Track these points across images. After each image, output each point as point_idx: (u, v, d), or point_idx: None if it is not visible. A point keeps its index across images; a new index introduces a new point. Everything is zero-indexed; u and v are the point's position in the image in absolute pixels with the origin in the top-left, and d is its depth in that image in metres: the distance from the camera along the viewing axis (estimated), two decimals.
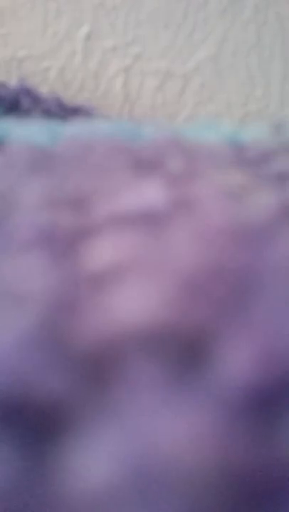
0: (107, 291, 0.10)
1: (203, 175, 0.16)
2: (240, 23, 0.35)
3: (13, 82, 0.34)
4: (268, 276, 0.11)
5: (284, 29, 0.35)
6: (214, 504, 0.07)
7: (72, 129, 0.21)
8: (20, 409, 0.08)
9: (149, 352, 0.09)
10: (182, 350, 0.09)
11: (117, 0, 0.35)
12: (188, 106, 0.36)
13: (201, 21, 0.35)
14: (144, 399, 0.08)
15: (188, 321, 0.10)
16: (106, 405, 0.08)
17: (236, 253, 0.12)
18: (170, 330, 0.09)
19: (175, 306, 0.10)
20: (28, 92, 0.33)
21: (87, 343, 0.09)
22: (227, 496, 0.07)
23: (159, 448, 0.08)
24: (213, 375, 0.09)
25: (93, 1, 0.36)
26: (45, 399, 0.08)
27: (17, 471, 0.08)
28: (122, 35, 0.36)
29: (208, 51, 0.35)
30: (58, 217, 0.13)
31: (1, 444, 0.08)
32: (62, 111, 0.32)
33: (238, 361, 0.09)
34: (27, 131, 0.21)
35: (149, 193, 0.15)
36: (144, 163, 0.18)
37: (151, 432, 0.08)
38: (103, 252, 0.12)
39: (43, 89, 0.35)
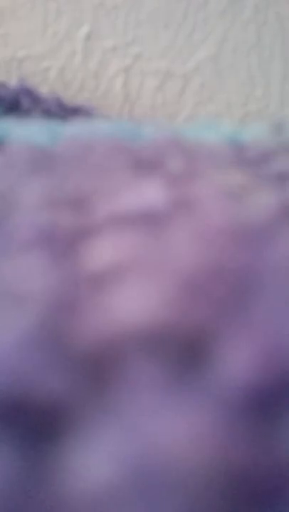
0: (107, 291, 0.10)
1: (203, 175, 0.16)
2: (240, 23, 0.35)
3: (13, 82, 0.34)
4: (268, 276, 0.11)
5: (284, 29, 0.35)
6: (214, 504, 0.07)
7: (72, 129, 0.21)
8: (20, 409, 0.08)
9: (149, 352, 0.09)
10: (182, 350, 0.09)
11: (117, 0, 0.35)
12: (188, 106, 0.36)
13: (201, 21, 0.35)
14: (144, 399, 0.08)
15: (188, 321, 0.10)
16: (106, 405, 0.08)
17: (236, 253, 0.12)
18: (170, 330, 0.09)
19: (175, 306, 0.10)
20: (28, 92, 0.33)
21: (87, 343, 0.09)
22: (227, 495, 0.07)
23: (159, 448, 0.08)
24: (213, 375, 0.09)
25: (93, 1, 0.36)
26: (45, 399, 0.08)
27: (17, 471, 0.08)
28: (122, 35, 0.36)
29: (208, 51, 0.35)
30: (58, 217, 0.13)
31: (1, 444, 0.08)
32: (62, 111, 0.32)
33: (238, 361, 0.09)
34: (27, 131, 0.21)
35: (149, 193, 0.15)
36: (144, 163, 0.18)
37: (151, 432, 0.08)
38: (103, 252, 0.12)
39: (43, 89, 0.35)
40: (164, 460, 0.08)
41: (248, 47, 0.35)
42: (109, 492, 0.07)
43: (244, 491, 0.08)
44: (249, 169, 0.18)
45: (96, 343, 0.09)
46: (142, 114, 0.36)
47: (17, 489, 0.08)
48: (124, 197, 0.14)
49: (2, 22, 0.36)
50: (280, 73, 0.35)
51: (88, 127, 0.21)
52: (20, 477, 0.08)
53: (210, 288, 0.10)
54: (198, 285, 0.10)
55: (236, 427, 0.08)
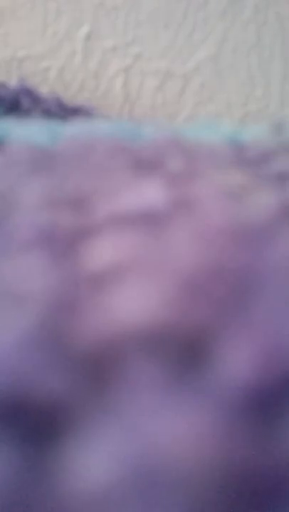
0: (107, 291, 0.10)
1: (203, 175, 0.16)
2: (240, 23, 0.35)
3: (13, 82, 0.34)
4: (268, 276, 0.11)
5: (284, 29, 0.35)
6: (214, 504, 0.07)
7: (72, 129, 0.21)
8: (21, 409, 0.08)
9: (149, 352, 0.09)
10: (182, 350, 0.09)
11: (117, 0, 0.35)
12: (188, 106, 0.36)
13: (201, 21, 0.35)
14: (144, 399, 0.08)
15: (188, 321, 0.10)
16: (106, 405, 0.08)
17: (236, 253, 0.12)
18: (170, 330, 0.09)
19: (175, 306, 0.10)
20: (28, 92, 0.33)
21: (87, 343, 0.09)
22: (227, 495, 0.07)
23: (159, 448, 0.08)
24: (213, 375, 0.09)
25: (93, 1, 0.36)
26: (45, 399, 0.08)
27: (17, 471, 0.08)
28: (122, 35, 0.36)
29: (208, 51, 0.35)
30: (58, 217, 0.13)
31: (1, 444, 0.08)
32: (62, 111, 0.32)
33: (238, 361, 0.09)
34: (27, 131, 0.21)
35: (149, 193, 0.15)
36: (144, 163, 0.18)
37: (151, 431, 0.08)
38: (103, 252, 0.12)
39: (43, 89, 0.35)
40: (164, 460, 0.08)
41: (248, 47, 0.35)
42: (109, 492, 0.07)
43: (244, 490, 0.08)
44: (249, 169, 0.18)
45: (96, 343, 0.09)
46: (142, 114, 0.36)
47: (17, 489, 0.08)
48: (124, 197, 0.14)
49: (2, 22, 0.36)
50: (280, 73, 0.35)
51: (88, 127, 0.21)
52: (21, 477, 0.08)
53: (210, 288, 0.10)
54: (198, 285, 0.10)
55: (236, 427, 0.08)
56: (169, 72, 0.36)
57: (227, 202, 0.14)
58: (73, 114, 0.32)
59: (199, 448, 0.08)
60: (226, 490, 0.07)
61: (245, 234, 0.13)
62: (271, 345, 0.09)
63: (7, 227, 0.13)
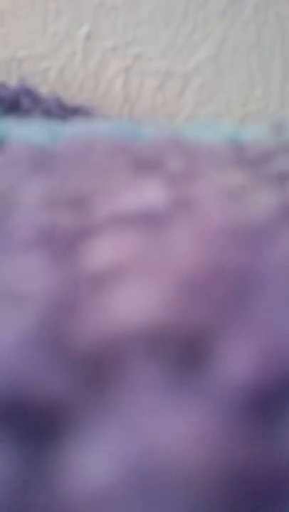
0: (107, 291, 0.10)
1: (203, 175, 0.16)
2: (240, 23, 0.35)
3: (13, 82, 0.34)
4: (268, 276, 0.11)
5: (284, 29, 0.35)
6: (214, 504, 0.07)
7: (72, 129, 0.21)
8: (21, 409, 0.08)
9: (149, 352, 0.09)
10: (182, 350, 0.09)
11: (117, 0, 0.35)
12: (188, 106, 0.36)
13: (201, 21, 0.35)
14: (144, 399, 0.08)
15: (188, 321, 0.10)
16: (106, 405, 0.08)
17: (236, 253, 0.12)
18: (170, 330, 0.09)
19: (175, 306, 0.10)
20: (28, 92, 0.33)
21: (87, 343, 0.09)
22: (227, 495, 0.07)
23: (159, 448, 0.08)
24: (213, 375, 0.09)
25: (93, 1, 0.36)
26: (45, 399, 0.08)
27: (17, 471, 0.08)
28: (122, 35, 0.36)
29: (208, 51, 0.35)
30: (58, 217, 0.13)
31: (1, 444, 0.08)
32: (62, 111, 0.32)
33: (238, 361, 0.09)
34: (27, 131, 0.21)
35: (149, 193, 0.15)
36: (144, 163, 0.18)
37: (151, 432, 0.08)
38: (103, 252, 0.12)
39: (43, 89, 0.35)
40: (164, 460, 0.08)
41: (248, 47, 0.35)
42: (109, 492, 0.07)
43: (244, 490, 0.08)
44: (249, 169, 0.18)
45: (96, 343, 0.09)
46: (142, 114, 0.36)
47: (17, 489, 0.08)
48: (124, 197, 0.14)
49: (2, 22, 0.36)
50: (280, 73, 0.35)
51: (88, 127, 0.21)
52: (21, 477, 0.08)
53: (210, 288, 0.10)
54: (198, 285, 0.10)
55: (236, 427, 0.08)
56: (169, 72, 0.36)
57: (227, 202, 0.14)
58: (73, 114, 0.32)
59: (199, 448, 0.08)
60: (226, 490, 0.07)
61: (245, 234, 0.13)
62: (271, 345, 0.09)
63: (7, 227, 0.13)
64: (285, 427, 0.08)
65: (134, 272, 0.11)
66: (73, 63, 0.36)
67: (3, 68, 0.36)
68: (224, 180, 0.16)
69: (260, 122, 0.33)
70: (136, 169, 0.17)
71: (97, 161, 0.18)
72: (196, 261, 0.11)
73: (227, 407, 0.08)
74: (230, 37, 0.35)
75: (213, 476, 0.07)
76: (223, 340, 0.09)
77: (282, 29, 0.35)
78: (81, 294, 0.10)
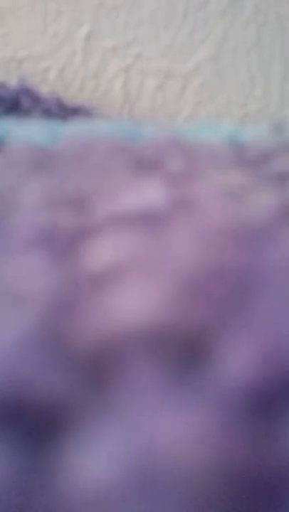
0: (107, 291, 0.10)
1: (203, 175, 0.16)
2: (240, 23, 0.35)
3: (13, 82, 0.34)
4: (268, 276, 0.11)
5: (284, 29, 0.35)
6: (214, 504, 0.07)
7: (72, 129, 0.21)
8: (21, 409, 0.08)
9: (149, 352, 0.09)
10: (182, 350, 0.09)
11: (117, 0, 0.35)
12: (188, 106, 0.36)
13: (201, 21, 0.35)
14: (144, 399, 0.08)
15: (188, 321, 0.10)
16: (106, 405, 0.08)
17: (236, 253, 0.12)
18: (170, 330, 0.09)
19: (175, 306, 0.10)
20: (28, 92, 0.33)
21: (87, 343, 0.09)
22: (227, 495, 0.07)
23: (159, 448, 0.08)
24: (213, 375, 0.09)
25: (93, 1, 0.36)
26: (45, 399, 0.08)
27: (17, 470, 0.08)
28: (122, 35, 0.36)
29: (208, 51, 0.35)
30: (58, 217, 0.13)
31: (1, 444, 0.08)
32: (62, 111, 0.32)
33: (238, 361, 0.09)
34: (27, 131, 0.21)
35: (149, 193, 0.15)
36: (144, 163, 0.18)
37: (151, 431, 0.08)
38: (103, 252, 0.12)
39: (43, 89, 0.35)
40: (164, 460, 0.08)
41: (248, 47, 0.35)
42: (110, 491, 0.07)
43: (244, 490, 0.08)
44: (249, 169, 0.18)
45: (96, 343, 0.09)
46: (141, 114, 0.36)
47: (17, 489, 0.08)
48: (124, 197, 0.14)
49: (2, 22, 0.36)
50: (280, 73, 0.35)
51: (88, 127, 0.21)
52: (21, 477, 0.08)
53: (210, 288, 0.10)
54: (198, 285, 0.10)
55: (236, 426, 0.08)
56: (169, 72, 0.36)
57: (227, 202, 0.14)
58: (73, 114, 0.32)
59: (199, 448, 0.08)
60: (226, 490, 0.07)
61: (245, 234, 0.13)
62: (271, 345, 0.09)
63: (7, 227, 0.13)
64: (285, 427, 0.08)
65: (134, 271, 0.11)
66: (73, 63, 0.36)
67: (3, 68, 0.36)
68: (224, 180, 0.16)
69: (260, 122, 0.33)
70: (136, 169, 0.17)
71: (97, 161, 0.18)
72: (196, 261, 0.11)
73: (227, 407, 0.08)
74: (230, 37, 0.35)
75: (213, 476, 0.07)
76: (223, 340, 0.09)
77: (282, 29, 0.35)
78: (81, 294, 0.10)
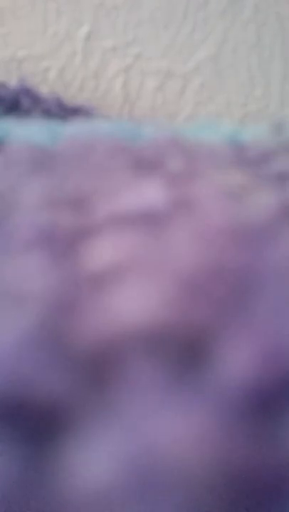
0: (107, 291, 0.10)
1: (203, 175, 0.16)
2: (240, 23, 0.35)
3: (13, 82, 0.34)
4: (268, 276, 0.11)
5: (284, 29, 0.35)
6: (214, 504, 0.07)
7: (72, 129, 0.21)
8: (21, 409, 0.08)
9: (149, 352, 0.09)
10: (182, 350, 0.09)
11: (117, 0, 0.35)
12: (188, 106, 0.36)
13: (201, 21, 0.35)
14: (144, 399, 0.08)
15: (188, 321, 0.10)
16: (106, 405, 0.08)
17: (236, 253, 0.12)
18: (170, 330, 0.09)
19: (175, 306, 0.10)
20: (28, 92, 0.33)
21: (87, 343, 0.09)
22: (227, 495, 0.07)
23: (159, 448, 0.08)
24: (213, 375, 0.09)
25: (93, 1, 0.36)
26: (45, 399, 0.08)
27: (17, 470, 0.08)
28: (122, 35, 0.36)
29: (208, 51, 0.35)
30: (58, 217, 0.13)
31: (2, 444, 0.08)
32: (62, 111, 0.32)
33: (238, 361, 0.09)
34: (27, 131, 0.21)
35: (149, 193, 0.15)
36: (144, 163, 0.18)
37: (151, 432, 0.08)
38: (103, 252, 0.12)
39: (43, 89, 0.35)
40: (164, 460, 0.08)
41: (248, 47, 0.35)
42: (109, 492, 0.07)
43: (244, 490, 0.08)
44: (249, 169, 0.18)
45: (96, 343, 0.09)
46: (141, 114, 0.36)
47: (17, 489, 0.08)
48: (124, 197, 0.14)
49: (2, 22, 0.36)
50: (280, 73, 0.35)
51: (88, 127, 0.21)
52: (21, 477, 0.08)
53: (210, 288, 0.10)
54: (198, 285, 0.10)
55: (236, 426, 0.08)
56: (169, 72, 0.36)
57: (227, 202, 0.14)
58: (73, 114, 0.32)
59: (199, 448, 0.08)
60: (226, 490, 0.07)
61: (245, 234, 0.13)
62: (271, 345, 0.09)
63: (7, 227, 0.13)
64: (285, 427, 0.08)
65: (134, 271, 0.11)
66: (73, 63, 0.36)
67: (3, 68, 0.36)
68: (224, 180, 0.16)
69: (260, 122, 0.33)
70: (136, 169, 0.17)
71: (97, 161, 0.18)
72: (196, 261, 0.11)
73: (227, 407, 0.08)
74: (230, 37, 0.35)
75: (212, 476, 0.07)
76: (223, 340, 0.09)
77: (282, 29, 0.35)
78: (81, 294, 0.10)
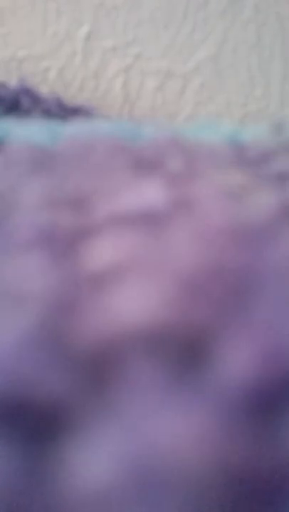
0: (107, 291, 0.10)
1: (203, 175, 0.16)
2: (240, 23, 0.35)
3: (13, 82, 0.34)
4: (268, 276, 0.11)
5: (284, 29, 0.35)
6: (214, 504, 0.07)
7: (72, 129, 0.21)
8: (21, 409, 0.08)
9: (149, 352, 0.09)
10: (182, 350, 0.09)
11: (117, 0, 0.35)
12: (188, 106, 0.36)
13: (201, 21, 0.35)
14: (144, 399, 0.08)
15: (188, 321, 0.10)
16: (106, 405, 0.08)
17: (236, 253, 0.12)
18: (170, 330, 0.09)
19: (175, 306, 0.10)
20: (28, 92, 0.33)
21: (87, 343, 0.09)
22: (227, 495, 0.07)
23: (159, 448, 0.08)
24: (213, 375, 0.09)
25: (93, 1, 0.36)
26: (45, 399, 0.08)
27: (17, 470, 0.08)
28: (122, 35, 0.36)
29: (208, 51, 0.35)
30: (58, 217, 0.13)
31: (1, 444, 0.08)
32: (62, 111, 0.32)
33: (238, 361, 0.09)
34: (27, 131, 0.21)
35: (149, 193, 0.15)
36: (144, 163, 0.18)
37: (151, 431, 0.08)
38: (103, 252, 0.12)
39: (43, 89, 0.35)
40: (164, 460, 0.08)
41: (248, 47, 0.35)
42: (110, 492, 0.07)
43: (244, 490, 0.08)
44: (249, 169, 0.18)
45: (96, 343, 0.09)
46: (141, 114, 0.36)
47: (17, 489, 0.08)
48: (124, 197, 0.14)
49: (2, 22, 0.36)
50: (280, 73, 0.35)
51: (88, 127, 0.21)
52: (21, 477, 0.08)
53: (210, 288, 0.10)
54: (198, 285, 0.10)
55: (236, 426, 0.08)
56: (169, 72, 0.36)
57: (227, 202, 0.14)
58: (73, 114, 0.32)
59: (199, 448, 0.08)
60: (226, 490, 0.07)
61: (245, 234, 0.13)
62: (271, 345, 0.09)
63: (7, 227, 0.13)
64: (285, 427, 0.08)
65: (134, 271, 0.11)
66: (73, 63, 0.36)
67: (3, 68, 0.36)
68: (224, 180, 0.16)
69: (260, 122, 0.33)
70: (136, 169, 0.17)
71: (97, 161, 0.18)
72: (196, 261, 0.11)
73: (227, 407, 0.08)
74: (230, 37, 0.35)
75: (212, 476, 0.07)
76: (223, 340, 0.09)
77: (282, 29, 0.35)
78: (81, 294, 0.10)
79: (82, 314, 0.10)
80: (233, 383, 0.08)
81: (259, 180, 0.16)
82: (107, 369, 0.09)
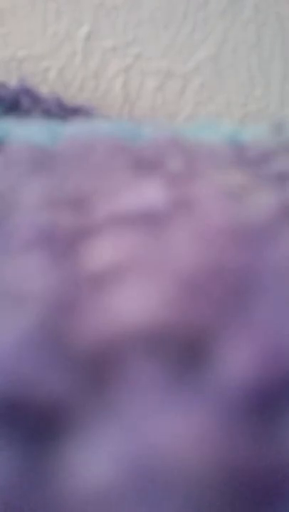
0: (107, 291, 0.10)
1: (203, 175, 0.16)
2: (240, 23, 0.35)
3: (13, 82, 0.34)
4: (268, 276, 0.11)
5: (284, 29, 0.35)
6: (214, 504, 0.07)
7: (72, 129, 0.21)
8: (21, 409, 0.08)
9: (149, 352, 0.09)
10: (182, 350, 0.09)
11: (117, 0, 0.35)
12: (188, 106, 0.36)
13: (201, 21, 0.35)
14: (144, 399, 0.08)
15: (188, 321, 0.10)
16: (106, 405, 0.08)
17: (236, 253, 0.12)
18: (170, 330, 0.09)
19: (175, 306, 0.10)
20: (28, 92, 0.33)
21: (87, 343, 0.09)
22: (227, 496, 0.07)
23: (159, 448, 0.08)
24: (213, 375, 0.09)
25: (93, 1, 0.36)
26: (45, 399, 0.08)
27: (17, 471, 0.08)
28: (122, 35, 0.36)
29: (208, 51, 0.35)
30: (58, 217, 0.13)
31: (1, 444, 0.08)
32: (62, 111, 0.32)
33: (238, 361, 0.09)
34: (27, 131, 0.21)
35: (149, 193, 0.15)
36: (144, 163, 0.18)
37: (151, 432, 0.08)
38: (103, 252, 0.12)
39: (43, 89, 0.35)
40: (164, 460, 0.08)
41: (248, 47, 0.35)
42: (109, 492, 0.07)
43: (244, 490, 0.08)
44: (249, 169, 0.18)
45: (96, 343, 0.09)
46: (141, 114, 0.36)
47: (17, 489, 0.08)
48: (124, 197, 0.14)
49: (2, 22, 0.36)
50: (280, 73, 0.35)
51: (88, 127, 0.21)
52: (21, 477, 0.08)
53: (210, 288, 0.10)
54: (198, 285, 0.10)
55: (236, 426, 0.08)
56: (169, 72, 0.36)
57: (227, 202, 0.14)
58: (73, 114, 0.32)
59: (199, 448, 0.08)
60: (226, 490, 0.07)
61: (245, 234, 0.13)
62: (271, 345, 0.09)
63: (7, 227, 0.13)
64: (285, 426, 0.08)
65: (134, 271, 0.11)
66: (73, 63, 0.36)
67: (3, 68, 0.36)
68: (224, 180, 0.16)
69: (260, 122, 0.33)
70: (136, 169, 0.17)
71: (97, 161, 0.18)
72: (196, 261, 0.11)
73: (227, 407, 0.08)
74: (230, 37, 0.35)
75: (213, 476, 0.07)
76: (223, 340, 0.09)
77: (282, 29, 0.35)
78: (81, 294, 0.10)
79: (82, 314, 0.10)
80: (233, 383, 0.08)
81: (259, 180, 0.16)
82: (107, 369, 0.09)
